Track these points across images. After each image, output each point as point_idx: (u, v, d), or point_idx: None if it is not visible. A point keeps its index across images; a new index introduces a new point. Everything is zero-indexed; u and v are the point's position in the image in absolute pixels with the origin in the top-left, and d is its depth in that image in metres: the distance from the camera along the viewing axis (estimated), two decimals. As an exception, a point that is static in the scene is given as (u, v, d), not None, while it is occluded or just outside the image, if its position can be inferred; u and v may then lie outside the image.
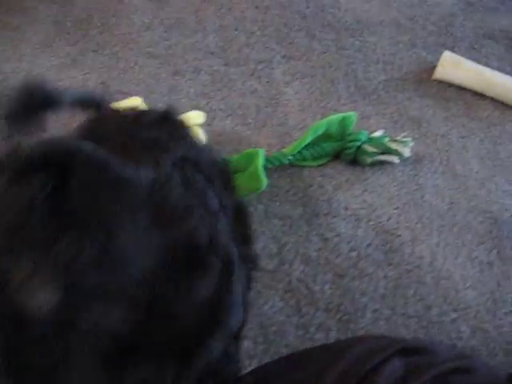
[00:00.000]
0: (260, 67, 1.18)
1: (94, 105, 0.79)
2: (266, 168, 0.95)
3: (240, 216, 0.59)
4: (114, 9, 1.30)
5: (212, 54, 1.20)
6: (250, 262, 0.57)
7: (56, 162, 0.39)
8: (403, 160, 1.04)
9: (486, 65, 1.20)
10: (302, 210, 0.96)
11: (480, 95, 1.17)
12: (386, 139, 1.01)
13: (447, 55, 1.20)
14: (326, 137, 1.00)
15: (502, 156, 1.08)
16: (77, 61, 1.17)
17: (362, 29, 1.30)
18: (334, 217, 0.95)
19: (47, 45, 1.20)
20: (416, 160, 1.05)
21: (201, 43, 1.23)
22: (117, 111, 0.74)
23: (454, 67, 1.18)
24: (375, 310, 0.85)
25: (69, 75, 1.13)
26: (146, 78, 1.14)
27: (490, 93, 1.17)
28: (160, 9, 1.31)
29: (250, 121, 1.08)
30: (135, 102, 1.00)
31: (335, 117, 1.00)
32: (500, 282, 0.90)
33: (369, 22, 1.32)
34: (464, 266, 0.91)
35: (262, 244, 0.91)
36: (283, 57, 1.21)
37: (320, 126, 0.98)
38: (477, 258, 0.93)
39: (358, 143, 0.99)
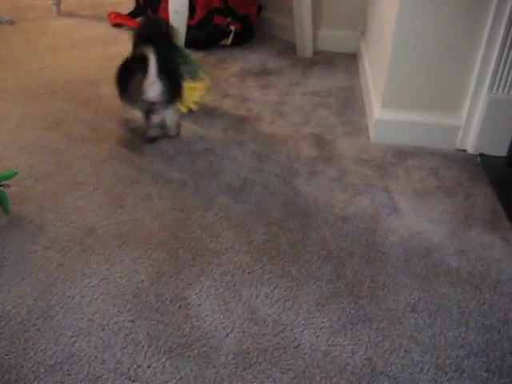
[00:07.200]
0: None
1: None
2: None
3: None
4: (383, 281, 1.43)
5: (474, 354, 1.24)
6: None
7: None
8: None
9: None
10: None
11: None
12: None
13: None
14: None
15: None
16: (346, 328, 1.28)
17: None
18: None
19: (321, 304, 1.35)
20: None
21: (463, 339, 1.27)
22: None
23: None
24: None
25: (338, 342, 1.24)
26: (410, 365, 1.20)
27: None
28: (425, 290, 1.40)
29: None
30: None
31: None
32: None
33: None
34: None
35: None
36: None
37: None
38: None
39: None
